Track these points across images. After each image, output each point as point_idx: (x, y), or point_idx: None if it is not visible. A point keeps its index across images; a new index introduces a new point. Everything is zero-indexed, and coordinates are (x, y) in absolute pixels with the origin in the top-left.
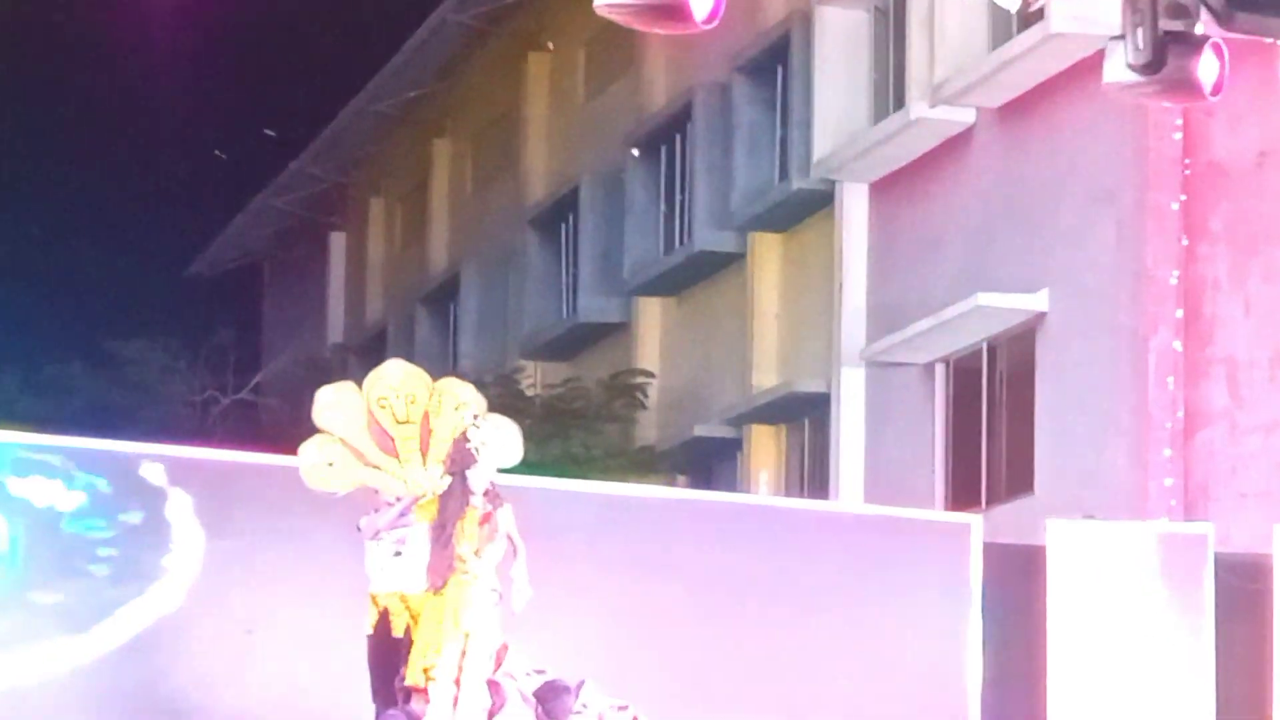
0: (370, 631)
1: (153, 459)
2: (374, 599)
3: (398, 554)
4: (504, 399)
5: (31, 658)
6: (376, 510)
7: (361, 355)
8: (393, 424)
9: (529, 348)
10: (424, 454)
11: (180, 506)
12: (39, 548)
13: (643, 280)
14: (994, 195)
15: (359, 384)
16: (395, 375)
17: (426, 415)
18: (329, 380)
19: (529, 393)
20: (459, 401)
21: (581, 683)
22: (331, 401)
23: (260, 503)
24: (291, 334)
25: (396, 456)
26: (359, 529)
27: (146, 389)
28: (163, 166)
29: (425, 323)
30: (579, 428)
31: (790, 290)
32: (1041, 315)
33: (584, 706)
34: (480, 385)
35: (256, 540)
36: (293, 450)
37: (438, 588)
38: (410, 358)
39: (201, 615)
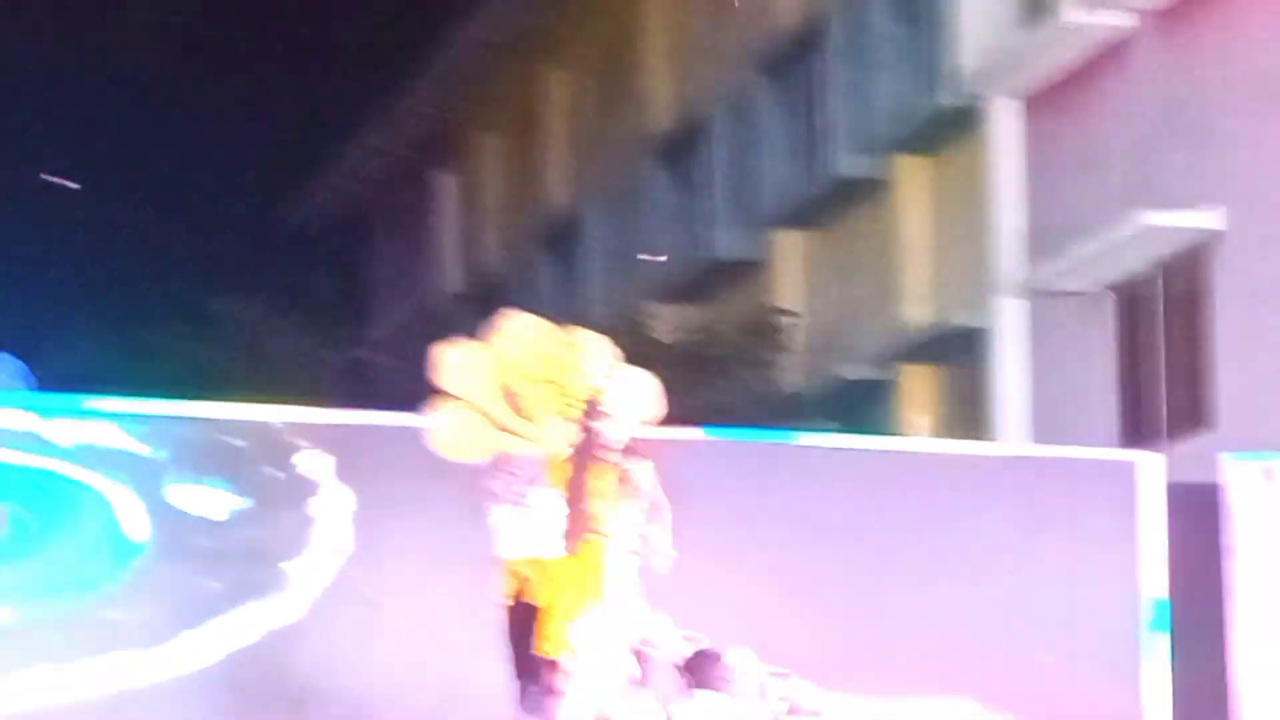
0: (506, 601)
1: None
2: (507, 566)
3: (532, 517)
4: (635, 347)
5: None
6: (509, 472)
7: (479, 305)
8: (522, 383)
9: (660, 290)
10: (559, 414)
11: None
12: (164, 528)
13: (780, 212)
14: (1159, 105)
15: (482, 340)
16: (522, 331)
17: (559, 371)
18: (445, 333)
19: (662, 339)
20: (591, 355)
21: (735, 649)
22: (456, 364)
23: (379, 467)
24: (402, 285)
25: (530, 419)
26: (490, 491)
27: (252, 350)
28: (258, 111)
29: (546, 267)
30: (717, 375)
31: (940, 217)
32: (1217, 234)
33: (739, 675)
34: (608, 333)
35: (377, 508)
36: (410, 410)
37: (573, 552)
38: (531, 305)
39: (322, 592)
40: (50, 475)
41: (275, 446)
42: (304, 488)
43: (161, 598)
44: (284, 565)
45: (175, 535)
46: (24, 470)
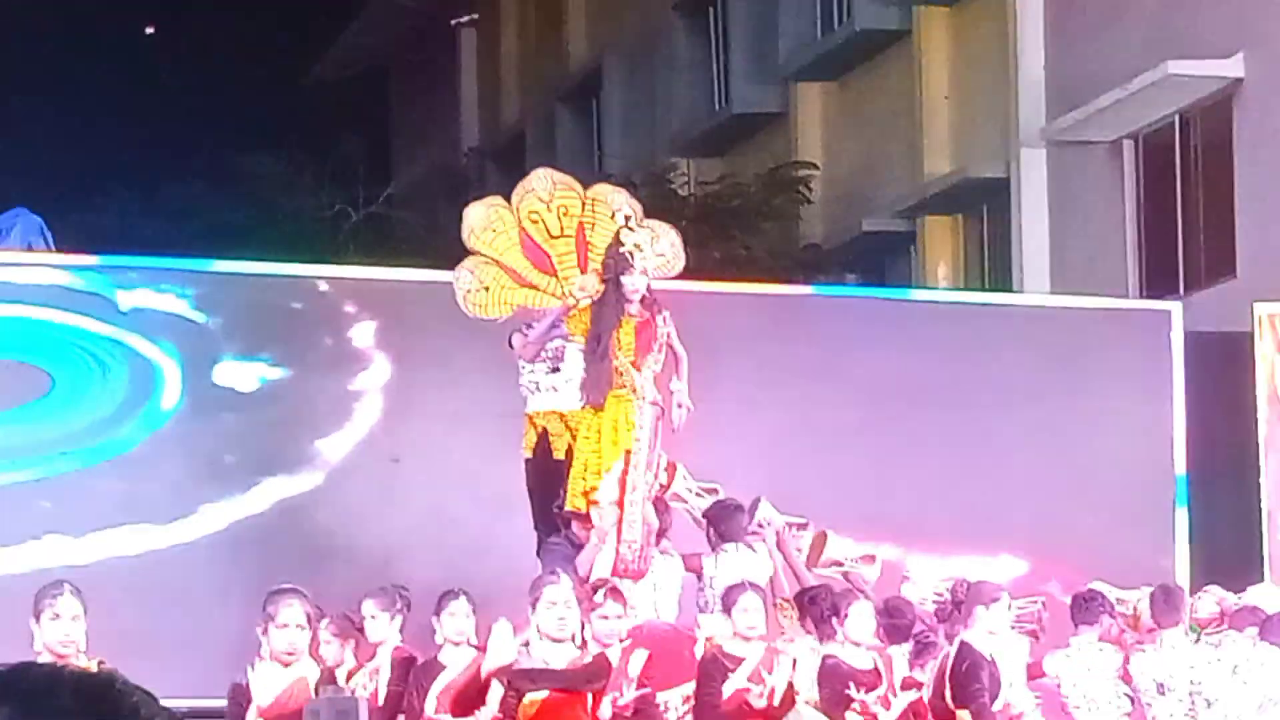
0: (529, 454)
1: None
2: (531, 419)
3: (554, 370)
4: (656, 200)
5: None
6: (529, 325)
7: (499, 160)
8: (546, 239)
9: (680, 143)
10: (582, 268)
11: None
12: (198, 388)
13: (800, 64)
14: None
15: (501, 193)
16: (545, 187)
17: (581, 227)
18: (465, 189)
19: (682, 192)
20: (614, 209)
21: (756, 500)
22: (481, 221)
23: (401, 322)
24: (422, 141)
25: (554, 274)
26: (510, 346)
27: (272, 205)
28: None
29: (566, 122)
30: (738, 227)
31: (961, 67)
32: (1238, 82)
33: (760, 525)
34: (629, 187)
35: (399, 363)
36: (430, 265)
37: (596, 404)
38: (551, 160)
39: (343, 447)
40: (87, 336)
41: (312, 307)
42: (338, 350)
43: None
44: (318, 429)
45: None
46: (61, 330)
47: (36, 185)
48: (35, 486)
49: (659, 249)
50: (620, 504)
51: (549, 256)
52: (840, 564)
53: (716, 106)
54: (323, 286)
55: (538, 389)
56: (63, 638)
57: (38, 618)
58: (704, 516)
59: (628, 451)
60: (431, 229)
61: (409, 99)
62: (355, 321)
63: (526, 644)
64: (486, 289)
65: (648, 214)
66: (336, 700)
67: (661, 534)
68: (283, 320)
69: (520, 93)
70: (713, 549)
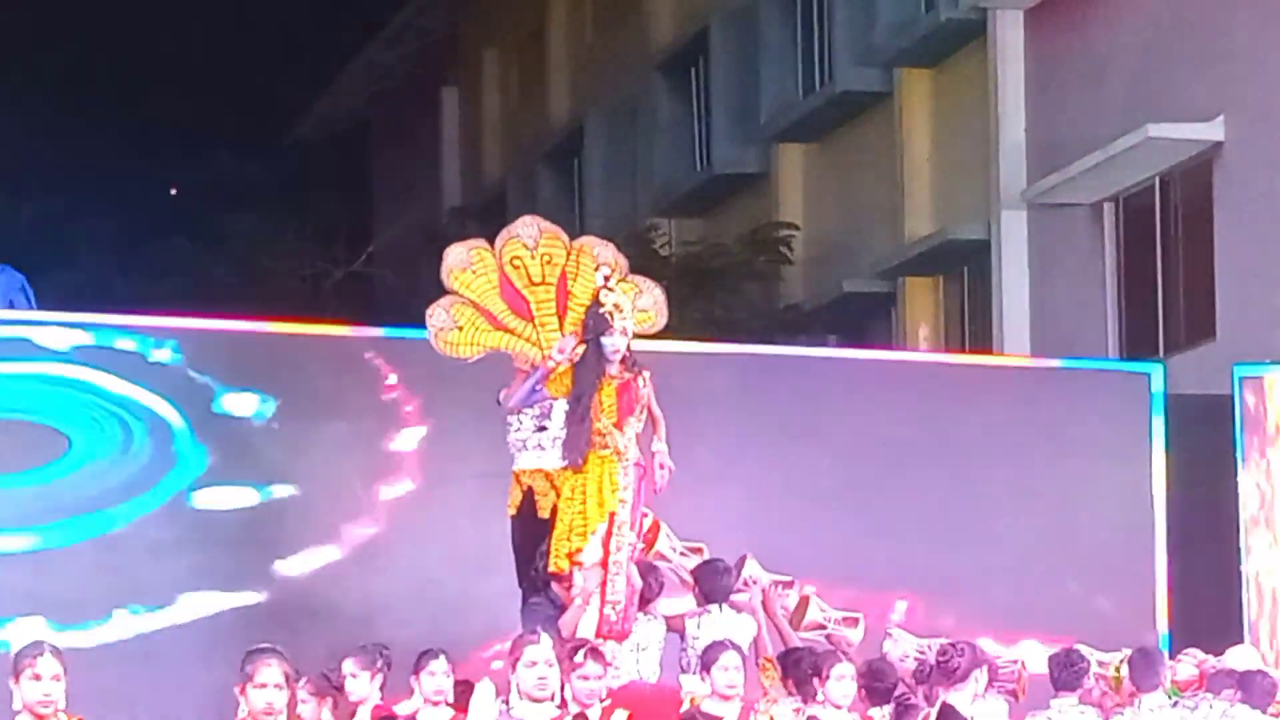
0: (514, 512)
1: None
2: (517, 477)
3: (541, 429)
4: (636, 260)
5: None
6: (516, 380)
7: (480, 219)
8: (527, 285)
9: (661, 204)
10: (560, 318)
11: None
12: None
13: (782, 125)
14: (1162, 16)
15: (487, 242)
16: (530, 234)
17: (564, 276)
18: (446, 247)
19: (663, 252)
20: (599, 262)
21: (743, 558)
22: (460, 261)
23: (376, 378)
24: (404, 200)
25: (531, 320)
26: (498, 403)
27: (252, 264)
28: (262, 25)
29: (548, 181)
30: (719, 288)
31: (942, 130)
32: (1218, 145)
33: (746, 584)
34: (604, 236)
35: (379, 419)
36: (409, 323)
37: (577, 466)
38: None
39: (325, 503)
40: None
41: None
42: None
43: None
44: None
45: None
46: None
47: (15, 241)
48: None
49: (642, 304)
50: (605, 565)
51: (528, 302)
52: (823, 626)
53: (698, 167)
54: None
55: (525, 446)
56: (41, 698)
57: (17, 678)
58: (691, 575)
59: (612, 513)
60: (411, 288)
61: (390, 158)
62: (337, 377)
63: (507, 704)
64: (460, 328)
65: (630, 273)
66: None
67: (649, 599)
68: (277, 376)
69: (502, 152)
70: (698, 608)
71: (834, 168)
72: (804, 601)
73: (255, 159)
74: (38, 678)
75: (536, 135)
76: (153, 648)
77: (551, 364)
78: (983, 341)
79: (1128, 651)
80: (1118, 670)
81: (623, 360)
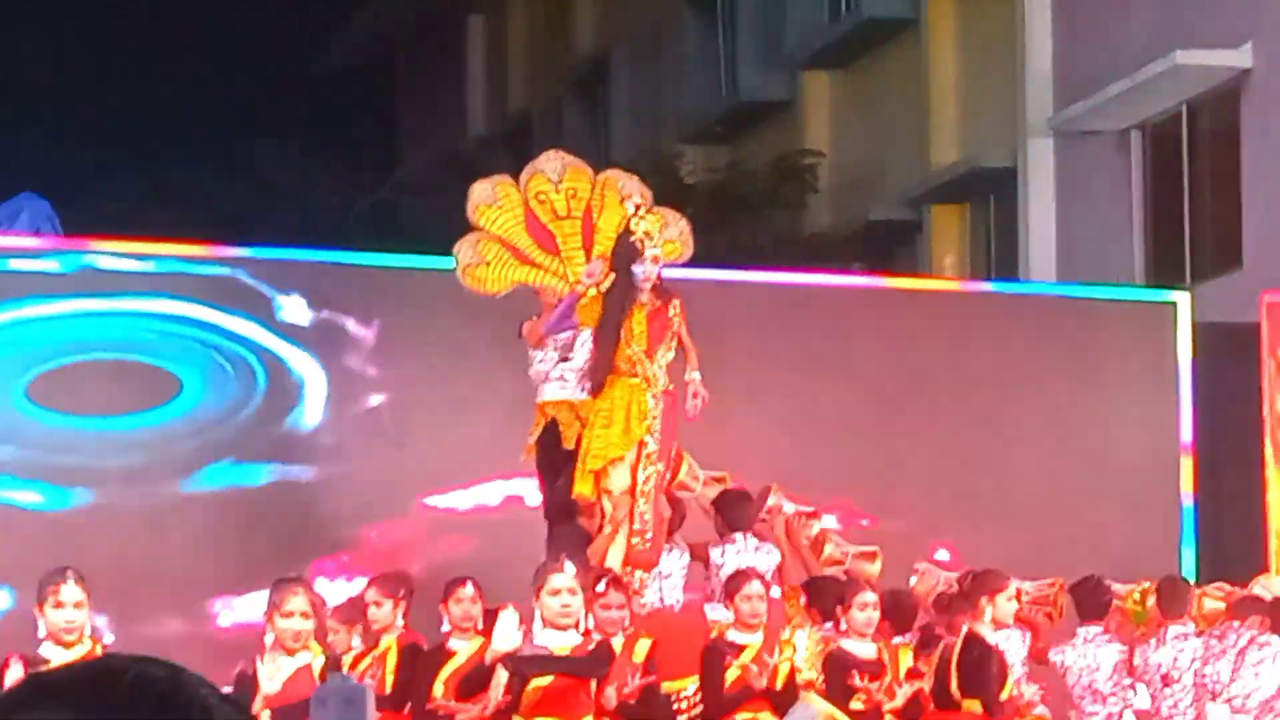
0: (538, 443)
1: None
2: (541, 409)
3: (564, 360)
4: (662, 188)
5: None
6: (539, 315)
7: (505, 147)
8: (552, 219)
9: (687, 132)
10: (586, 251)
11: (320, 314)
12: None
13: (808, 52)
14: None
15: (511, 177)
16: (555, 168)
17: (589, 210)
18: (472, 175)
19: (689, 180)
20: (624, 194)
21: (766, 488)
22: (486, 197)
23: (408, 308)
24: (429, 128)
25: (557, 254)
26: (520, 335)
27: (280, 191)
28: None
29: (573, 109)
30: (745, 216)
31: (969, 56)
32: (1246, 72)
33: (769, 513)
34: (637, 175)
35: (405, 349)
36: (436, 251)
37: (593, 392)
38: (558, 147)
39: (347, 430)
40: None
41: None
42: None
43: None
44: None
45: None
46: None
47: (42, 169)
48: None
49: (668, 235)
50: (632, 494)
51: (553, 236)
52: (841, 562)
53: (723, 94)
54: (332, 271)
55: (548, 378)
56: (65, 624)
57: (41, 605)
58: (712, 505)
59: (640, 442)
60: (438, 214)
61: (416, 86)
62: (359, 306)
63: (531, 631)
64: (487, 264)
65: (656, 202)
66: (344, 688)
67: (673, 526)
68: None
69: (527, 81)
70: (720, 538)
71: (860, 95)
72: (821, 538)
73: (282, 87)
74: (61, 604)
75: (562, 63)
76: None
77: (581, 288)
78: (1009, 269)
79: (1146, 583)
80: (1138, 600)
81: (653, 287)
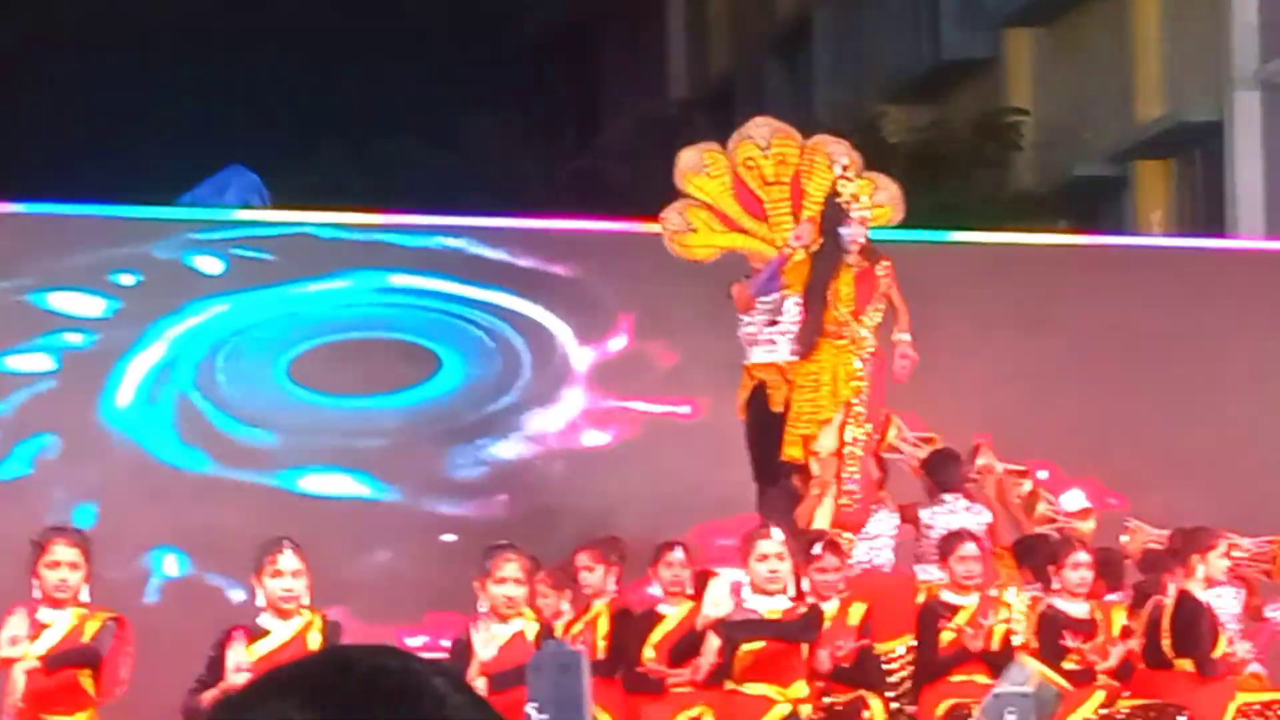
0: (746, 406)
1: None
2: (749, 371)
3: (772, 323)
4: (865, 149)
5: None
6: (747, 277)
7: (707, 110)
8: (761, 185)
9: (889, 92)
10: (795, 216)
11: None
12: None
13: (1011, 9)
14: None
15: (714, 141)
16: (763, 134)
17: (798, 175)
18: (674, 139)
19: (892, 140)
20: (832, 159)
21: (976, 447)
22: (694, 164)
23: (609, 272)
24: (630, 92)
25: (766, 220)
26: (729, 296)
27: (481, 160)
28: None
29: (775, 72)
30: (949, 175)
31: (1174, 9)
32: None
33: (979, 473)
34: (839, 136)
35: (622, 315)
36: (640, 215)
37: (802, 354)
38: (760, 110)
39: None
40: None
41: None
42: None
43: None
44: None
45: None
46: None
47: (249, 142)
48: None
49: (878, 200)
50: (840, 456)
51: (761, 202)
52: (1053, 520)
53: (926, 53)
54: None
55: (756, 341)
56: (283, 593)
57: (260, 575)
58: (922, 466)
59: (848, 403)
60: (641, 178)
61: (616, 51)
62: (573, 275)
63: (741, 596)
64: (694, 231)
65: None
66: (559, 654)
67: (880, 484)
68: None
69: (729, 43)
70: (930, 499)
71: (1064, 51)
72: (1033, 496)
73: (482, 56)
74: (279, 573)
75: (763, 25)
76: None
77: (789, 250)
78: (1216, 225)
79: None
80: None
81: (861, 249)
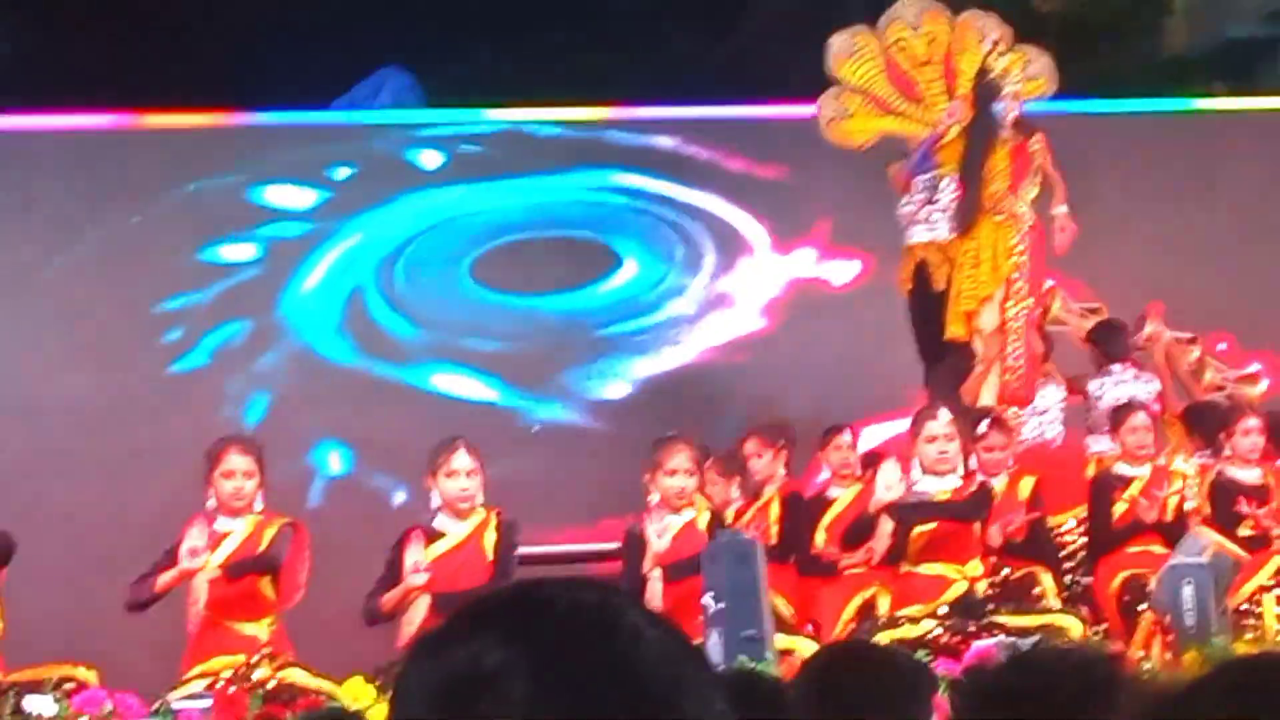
0: (909, 286)
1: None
2: (909, 251)
3: (930, 201)
4: (1017, 20)
5: None
6: (905, 158)
7: None
8: (913, 66)
9: None
10: (950, 94)
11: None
12: None
13: None
14: None
15: (868, 26)
16: (913, 14)
17: (949, 53)
18: (826, 18)
19: (1044, 8)
20: (983, 34)
21: (1142, 316)
22: (845, 48)
23: (768, 156)
24: None
25: (920, 101)
26: (887, 176)
27: (631, 46)
28: None
29: None
30: (1100, 48)
31: None
32: None
33: (1147, 341)
34: (990, 8)
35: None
36: (792, 98)
37: (962, 232)
38: None
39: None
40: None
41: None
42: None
43: None
44: None
45: None
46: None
47: (398, 39)
48: None
49: (1031, 72)
50: (1003, 331)
51: (915, 84)
52: (1222, 387)
53: None
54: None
55: (915, 220)
56: (459, 492)
57: (434, 475)
58: (1088, 337)
59: (1008, 279)
60: (793, 59)
61: None
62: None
63: (911, 477)
64: (850, 116)
65: (1013, 36)
66: (734, 543)
67: (1045, 356)
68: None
69: None
70: (1098, 370)
71: None
72: (1200, 363)
73: None
74: (453, 473)
75: None
76: None
77: (942, 128)
78: None
79: None
80: None
81: (1015, 123)
